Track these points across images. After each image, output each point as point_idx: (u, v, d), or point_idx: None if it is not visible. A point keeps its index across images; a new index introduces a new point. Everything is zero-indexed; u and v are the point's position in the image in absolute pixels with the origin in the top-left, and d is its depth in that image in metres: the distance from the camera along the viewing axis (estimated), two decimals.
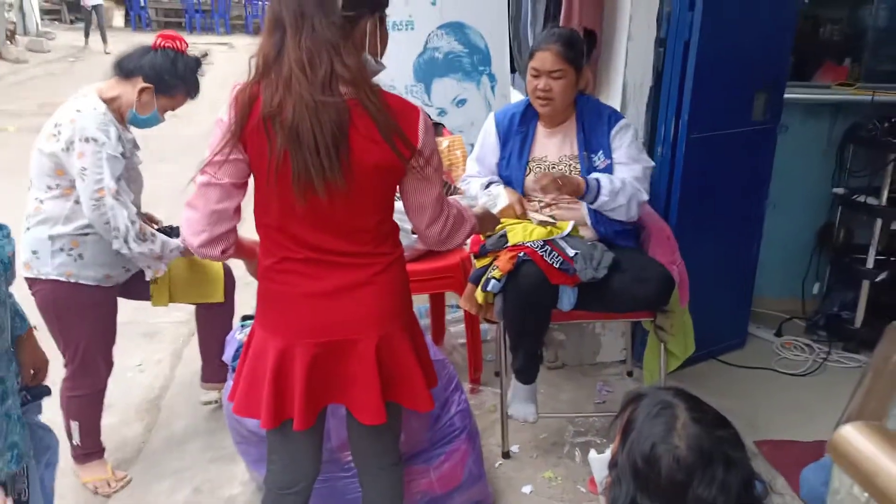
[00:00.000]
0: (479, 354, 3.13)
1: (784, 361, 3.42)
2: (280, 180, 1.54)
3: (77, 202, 2.33)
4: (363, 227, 1.64)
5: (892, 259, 3.39)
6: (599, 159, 2.60)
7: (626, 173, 2.56)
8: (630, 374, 3.26)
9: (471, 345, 3.09)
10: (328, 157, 1.50)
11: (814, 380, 3.29)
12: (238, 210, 1.66)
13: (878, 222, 3.32)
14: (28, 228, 2.38)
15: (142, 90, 2.39)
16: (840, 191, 3.48)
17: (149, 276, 2.51)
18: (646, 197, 2.57)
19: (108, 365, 2.62)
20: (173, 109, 2.53)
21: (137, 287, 2.63)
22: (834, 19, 5.92)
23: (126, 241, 2.33)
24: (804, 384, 3.26)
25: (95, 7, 14.19)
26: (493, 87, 3.76)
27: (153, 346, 3.71)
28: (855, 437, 1.06)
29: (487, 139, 2.73)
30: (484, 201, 2.55)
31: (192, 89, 2.50)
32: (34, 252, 2.38)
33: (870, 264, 3.38)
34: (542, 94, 2.55)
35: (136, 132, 2.55)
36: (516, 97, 3.90)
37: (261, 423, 1.72)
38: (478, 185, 2.67)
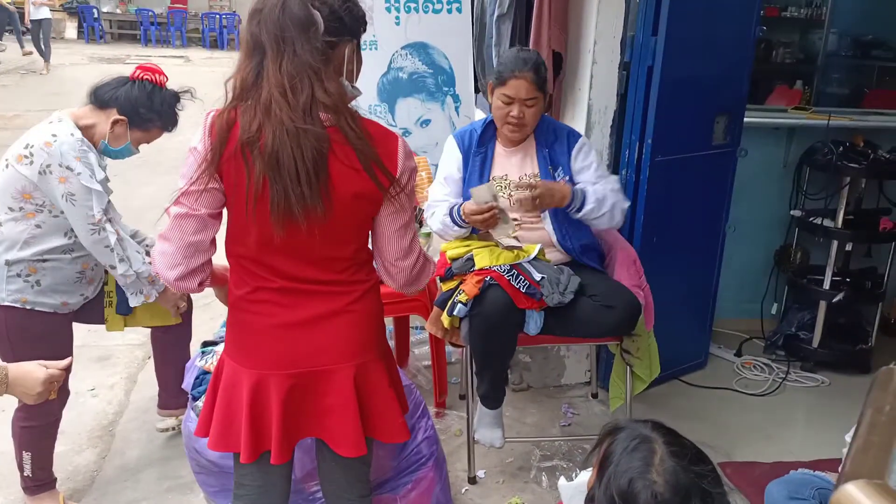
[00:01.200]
0: (444, 378, 3.10)
1: (744, 381, 3.46)
2: (258, 209, 1.50)
3: (38, 226, 2.25)
4: (339, 255, 1.61)
5: (847, 280, 3.46)
6: (559, 176, 2.60)
7: (601, 188, 2.57)
8: (595, 395, 3.26)
9: (436, 368, 3.05)
10: (309, 185, 1.46)
11: (773, 399, 3.33)
12: (214, 240, 1.61)
13: (835, 244, 3.39)
14: None
15: (115, 122, 2.34)
16: (797, 213, 3.55)
17: (135, 302, 2.44)
18: (627, 203, 2.61)
19: (64, 395, 2.52)
20: (147, 143, 2.49)
21: (91, 311, 2.54)
22: (786, 43, 6.10)
23: (131, 263, 2.30)
24: (764, 404, 3.30)
25: (41, 21, 13.19)
26: (457, 108, 3.75)
27: (107, 371, 3.59)
28: (858, 498, 1.04)
29: (451, 157, 2.71)
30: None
31: (168, 123, 2.45)
32: None
33: (826, 285, 3.44)
34: (515, 122, 2.54)
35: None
36: (480, 117, 3.91)
37: (241, 457, 1.67)
38: (441, 216, 2.62)
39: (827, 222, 3.41)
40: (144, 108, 2.35)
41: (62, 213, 2.25)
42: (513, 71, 2.49)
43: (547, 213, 2.60)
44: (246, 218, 1.52)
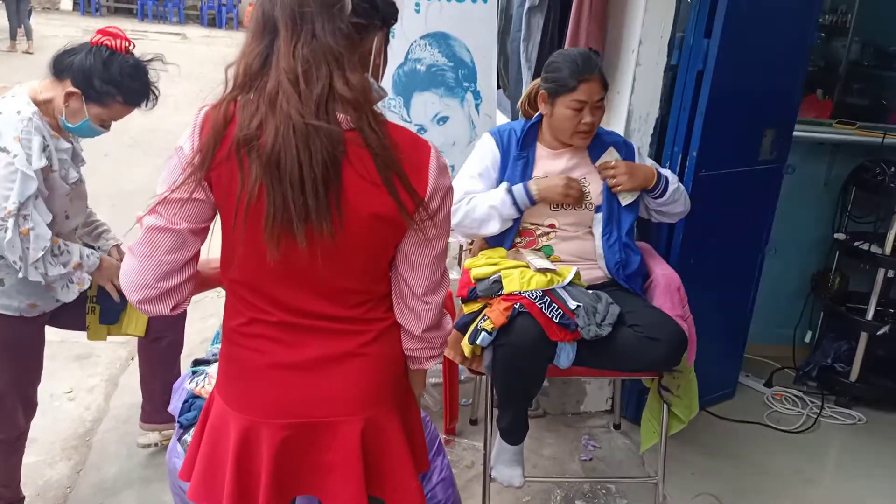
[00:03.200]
0: (455, 402, 2.84)
1: (775, 415, 3.21)
2: (250, 222, 1.22)
3: None
4: (352, 287, 1.33)
5: (891, 310, 3.21)
6: None
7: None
8: (617, 426, 3.00)
9: (447, 391, 2.79)
10: (315, 196, 1.18)
11: (807, 438, 3.09)
12: (195, 258, 1.33)
13: (881, 272, 3.14)
14: None
15: (68, 95, 2.03)
16: (841, 236, 3.30)
17: (67, 297, 2.13)
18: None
19: (31, 407, 2.27)
20: (113, 119, 2.16)
21: (70, 315, 2.27)
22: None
23: (35, 267, 1.97)
24: (797, 442, 3.06)
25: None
26: (477, 106, 3.46)
27: (86, 371, 3.33)
28: None
29: (488, 153, 2.45)
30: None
31: (131, 97, 2.12)
32: None
33: (869, 316, 3.20)
34: (588, 129, 2.33)
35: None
36: (500, 118, 3.63)
37: None
38: (486, 203, 2.36)
39: (874, 248, 3.15)
40: (100, 79, 2.03)
41: None
42: (581, 73, 2.27)
43: (600, 219, 2.38)
44: (236, 234, 1.25)
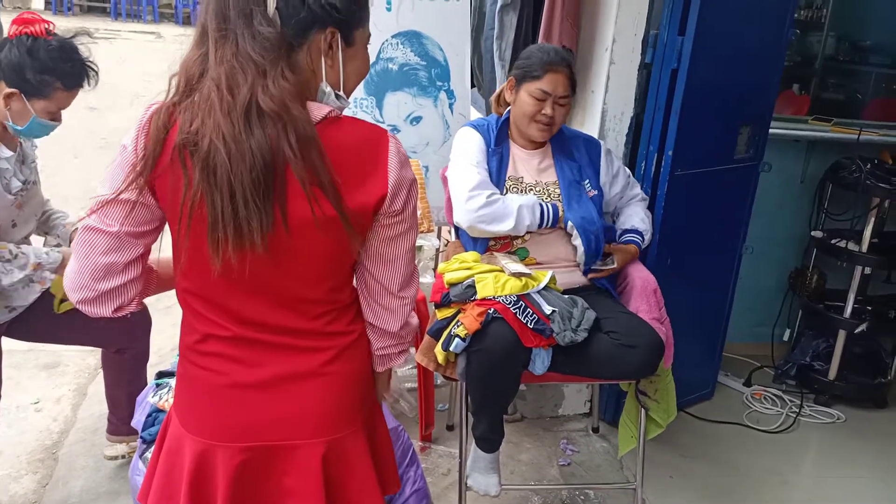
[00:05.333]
0: (431, 408, 2.78)
1: (755, 415, 3.19)
2: (194, 228, 1.17)
3: None
4: (310, 296, 1.27)
5: (868, 308, 3.20)
6: (588, 188, 2.39)
7: (635, 208, 2.55)
8: (596, 429, 2.96)
9: (423, 397, 2.73)
10: (244, 204, 1.13)
11: (787, 437, 3.06)
12: (139, 260, 1.27)
13: (859, 270, 3.13)
14: None
15: (6, 97, 1.93)
16: (818, 234, 3.28)
17: (34, 294, 2.06)
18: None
19: None
20: (60, 109, 2.04)
21: (27, 324, 2.18)
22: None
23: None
24: (776, 442, 3.03)
25: None
26: (451, 105, 3.40)
27: (53, 381, 3.24)
28: None
29: (476, 142, 2.43)
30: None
31: (70, 79, 2.00)
32: None
33: (847, 314, 3.18)
34: (546, 120, 2.31)
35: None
36: (475, 116, 3.58)
37: None
38: (515, 198, 2.34)
39: (851, 245, 3.14)
40: (32, 70, 1.92)
41: None
42: (551, 64, 2.27)
43: (572, 224, 2.34)
44: (181, 241, 1.20)
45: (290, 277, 1.23)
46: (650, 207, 2.68)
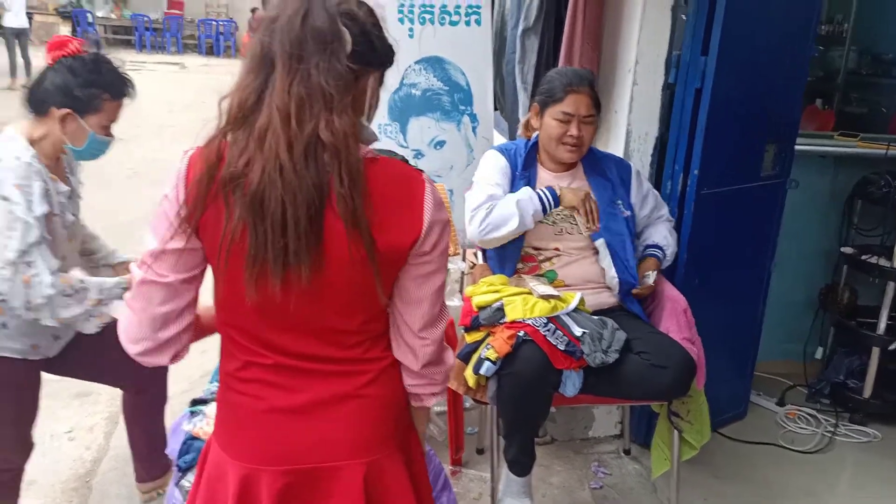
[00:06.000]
0: (461, 432, 2.77)
1: (789, 435, 3.14)
2: (232, 262, 1.18)
3: None
4: (345, 328, 1.28)
5: None
6: (621, 209, 2.40)
7: (660, 228, 2.54)
8: (627, 451, 2.93)
9: (452, 420, 2.72)
10: (296, 238, 1.14)
11: (823, 458, 3.01)
12: (192, 305, 1.30)
13: (891, 286, 3.08)
14: None
15: (62, 120, 1.97)
16: (848, 250, 3.24)
17: (93, 327, 2.06)
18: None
19: (26, 447, 2.21)
20: (111, 122, 2.09)
21: (69, 360, 2.20)
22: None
23: (43, 312, 1.92)
24: (812, 462, 2.98)
25: (18, 32, 11.50)
26: (474, 129, 3.43)
27: (86, 409, 3.27)
28: None
29: (498, 164, 2.45)
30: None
31: (114, 89, 2.04)
32: None
33: (881, 330, 3.13)
34: (573, 141, 2.31)
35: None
36: (498, 140, 3.60)
37: None
38: (510, 197, 2.33)
39: (883, 261, 3.10)
40: (79, 87, 1.96)
41: None
42: (570, 85, 2.28)
43: (605, 241, 2.35)
44: (218, 274, 1.23)
45: (325, 312, 1.25)
46: (677, 227, 2.67)
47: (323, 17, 1.15)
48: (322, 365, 1.29)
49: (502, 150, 2.49)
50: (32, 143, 1.97)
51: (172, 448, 2.12)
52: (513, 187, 2.40)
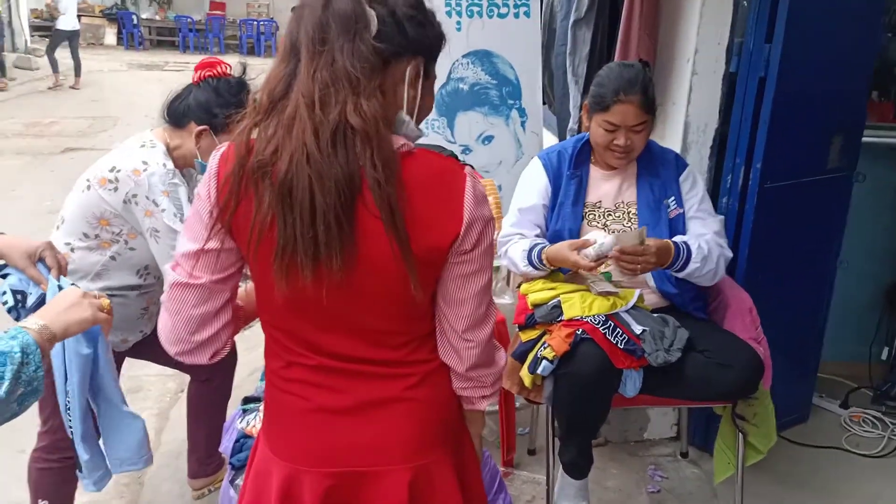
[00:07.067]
0: (512, 432, 2.71)
1: (854, 439, 3.01)
2: (261, 255, 1.15)
3: (113, 258, 2.03)
4: (387, 328, 1.23)
5: None
6: (671, 207, 2.24)
7: (703, 228, 2.21)
8: (685, 454, 2.84)
9: (504, 421, 2.66)
10: (326, 229, 1.09)
11: (890, 463, 2.87)
12: (228, 304, 1.27)
13: None
14: None
15: (198, 135, 2.04)
16: None
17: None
18: (730, 254, 2.23)
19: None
20: None
21: (146, 347, 2.24)
22: None
23: None
24: (879, 467, 2.85)
25: (70, 34, 11.90)
26: (523, 123, 3.37)
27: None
28: None
29: (536, 182, 2.32)
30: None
31: None
32: None
33: None
34: (620, 150, 2.17)
35: None
36: (547, 136, 3.53)
37: None
38: (520, 254, 2.24)
39: None
40: (219, 108, 2.03)
41: (135, 248, 2.03)
42: (617, 94, 2.11)
43: None
44: (250, 268, 1.21)
45: (364, 310, 1.20)
46: (738, 223, 2.58)
47: (346, 1, 1.11)
48: (366, 366, 1.25)
49: (546, 157, 2.35)
50: (170, 150, 2.06)
51: (226, 446, 2.10)
52: (559, 192, 2.29)
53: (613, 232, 2.23)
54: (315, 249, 1.11)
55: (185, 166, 2.10)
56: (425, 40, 1.19)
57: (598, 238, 2.06)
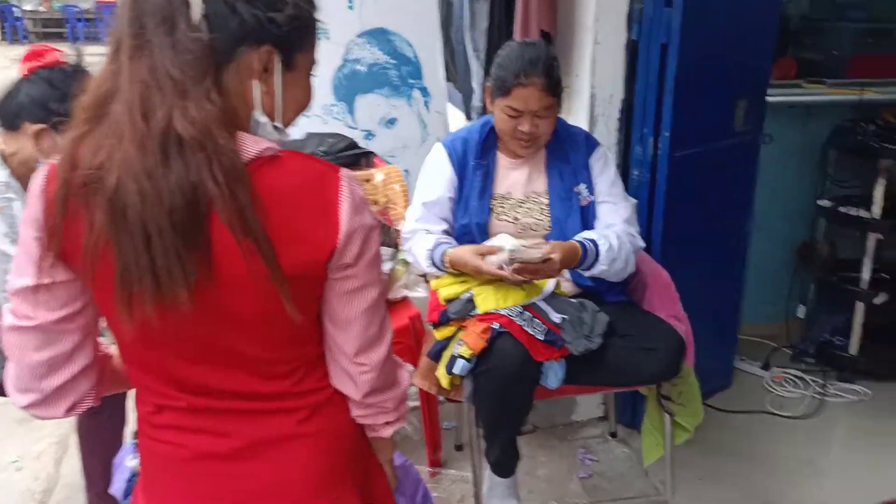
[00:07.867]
0: (436, 430, 2.59)
1: (777, 400, 3.02)
2: (98, 285, 0.99)
3: None
4: (267, 356, 1.07)
5: (887, 276, 3.04)
6: (582, 195, 2.12)
7: (613, 216, 2.10)
8: (614, 434, 2.78)
9: (427, 419, 2.54)
10: (165, 254, 0.93)
11: (814, 423, 2.89)
12: (85, 346, 1.09)
13: (872, 237, 2.96)
14: None
15: (37, 135, 1.80)
16: (826, 203, 3.11)
17: None
18: (642, 244, 2.11)
19: None
20: None
21: None
22: None
23: None
24: (804, 428, 2.86)
25: None
26: (426, 103, 3.21)
27: (32, 435, 3.02)
28: None
29: (440, 174, 2.16)
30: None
31: None
32: None
33: (864, 284, 3.02)
34: (526, 137, 2.03)
35: None
36: (453, 112, 3.38)
37: None
38: (424, 253, 2.10)
39: (862, 212, 2.97)
40: (56, 102, 1.80)
41: None
42: (518, 77, 1.97)
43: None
44: (96, 301, 1.04)
45: (236, 336, 1.03)
46: (650, 195, 2.50)
47: None
48: (248, 402, 1.08)
49: (449, 144, 2.20)
50: (4, 157, 1.81)
51: (118, 487, 1.90)
52: (465, 183, 2.15)
53: (523, 228, 2.12)
54: (153, 277, 0.94)
55: (28, 173, 1.83)
56: (271, 25, 0.98)
57: (504, 244, 1.92)
